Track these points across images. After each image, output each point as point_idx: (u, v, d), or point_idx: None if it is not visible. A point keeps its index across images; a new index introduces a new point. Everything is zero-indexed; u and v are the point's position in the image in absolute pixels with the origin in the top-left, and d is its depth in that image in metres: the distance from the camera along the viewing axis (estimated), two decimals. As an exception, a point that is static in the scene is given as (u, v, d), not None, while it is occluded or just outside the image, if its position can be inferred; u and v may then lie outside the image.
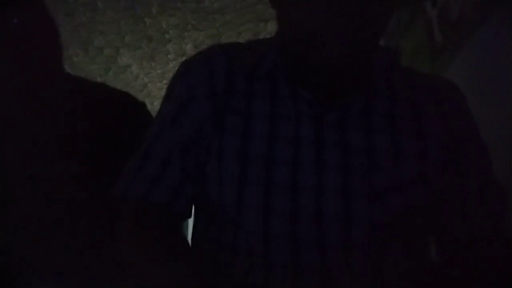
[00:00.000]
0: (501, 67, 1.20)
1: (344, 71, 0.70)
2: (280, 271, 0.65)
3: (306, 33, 0.67)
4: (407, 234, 0.70)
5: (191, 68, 0.77)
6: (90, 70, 3.92)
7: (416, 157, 0.70)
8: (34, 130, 1.09)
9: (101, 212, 1.05)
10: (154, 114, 1.23)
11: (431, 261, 0.75)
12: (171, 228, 0.73)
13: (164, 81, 4.08)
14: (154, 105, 4.38)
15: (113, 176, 0.82)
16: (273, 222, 0.66)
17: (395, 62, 0.76)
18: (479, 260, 0.71)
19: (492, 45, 1.25)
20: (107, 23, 3.33)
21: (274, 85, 0.73)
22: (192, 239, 0.79)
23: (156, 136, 0.75)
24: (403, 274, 0.68)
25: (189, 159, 0.73)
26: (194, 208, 0.78)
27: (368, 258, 0.66)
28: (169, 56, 3.73)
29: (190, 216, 0.76)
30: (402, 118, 0.72)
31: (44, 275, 1.03)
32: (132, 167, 0.75)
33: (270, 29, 3.35)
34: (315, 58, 0.67)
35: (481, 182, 0.74)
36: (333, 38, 0.65)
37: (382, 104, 0.73)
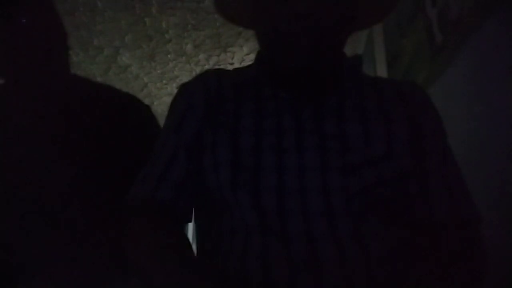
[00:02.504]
0: (501, 67, 1.20)
1: (314, 74, 0.82)
2: (273, 239, 0.75)
3: (276, 44, 0.80)
4: (382, 206, 0.78)
5: (189, 85, 0.90)
6: (90, 70, 3.92)
7: (383, 138, 0.80)
8: (40, 130, 1.09)
9: (103, 212, 1.06)
10: (154, 114, 1.23)
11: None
12: (175, 227, 0.81)
13: (164, 81, 4.07)
14: (154, 105, 4.38)
15: (117, 176, 0.82)
16: (264, 198, 0.76)
17: (360, 65, 0.89)
18: (439, 241, 0.79)
19: (492, 45, 1.25)
20: (107, 23, 3.33)
21: (258, 90, 0.85)
22: (197, 234, 0.88)
23: (162, 144, 0.85)
24: (382, 242, 0.76)
25: (192, 156, 0.82)
26: (196, 206, 0.85)
27: (348, 225, 0.75)
28: (169, 56, 3.73)
29: (190, 219, 0.85)
30: (370, 110, 0.83)
31: (44, 275, 1.03)
32: (141, 175, 0.84)
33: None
34: (287, 64, 0.80)
35: (441, 165, 0.83)
36: (298, 47, 0.77)
37: (352, 100, 0.83)
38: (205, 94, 0.86)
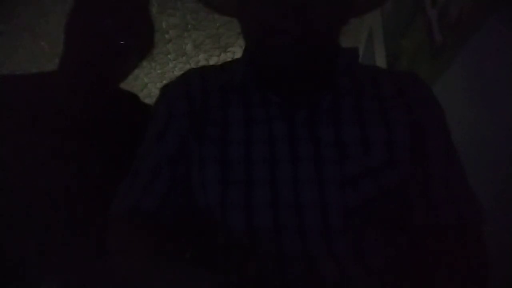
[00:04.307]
0: (501, 67, 1.20)
1: (304, 70, 0.75)
2: (270, 261, 0.69)
3: (261, 35, 0.73)
4: (382, 219, 0.73)
5: (170, 90, 0.83)
6: (90, 70, 3.91)
7: (384, 144, 0.74)
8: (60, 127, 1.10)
9: (105, 212, 1.06)
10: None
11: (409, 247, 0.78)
12: (160, 237, 0.75)
13: (164, 81, 4.06)
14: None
15: (119, 179, 0.83)
16: (257, 217, 0.70)
17: (356, 60, 0.81)
18: (442, 247, 0.75)
19: (492, 45, 1.25)
20: (107, 23, 3.33)
21: (246, 94, 0.78)
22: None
23: (144, 155, 0.81)
24: (383, 258, 0.72)
25: (176, 169, 0.77)
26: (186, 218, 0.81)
27: (347, 242, 0.70)
28: (169, 56, 3.73)
29: (178, 229, 0.79)
30: (369, 111, 0.77)
31: (44, 275, 1.03)
32: (125, 185, 0.80)
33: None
34: (275, 55, 0.72)
35: (443, 167, 0.78)
36: (287, 34, 0.70)
37: (348, 99, 0.77)
38: (188, 101, 0.80)
